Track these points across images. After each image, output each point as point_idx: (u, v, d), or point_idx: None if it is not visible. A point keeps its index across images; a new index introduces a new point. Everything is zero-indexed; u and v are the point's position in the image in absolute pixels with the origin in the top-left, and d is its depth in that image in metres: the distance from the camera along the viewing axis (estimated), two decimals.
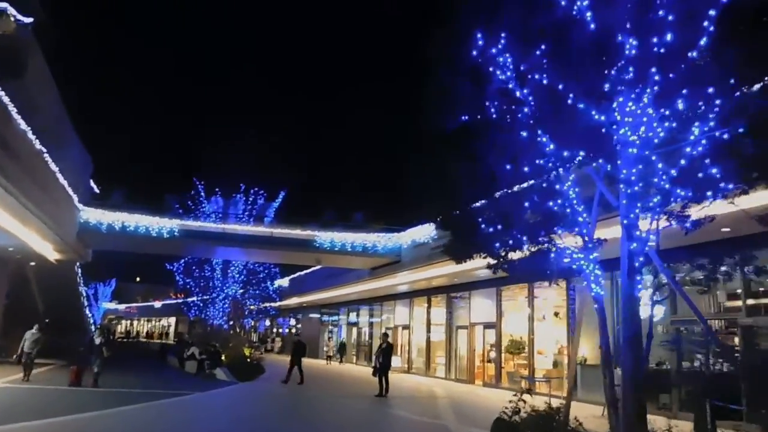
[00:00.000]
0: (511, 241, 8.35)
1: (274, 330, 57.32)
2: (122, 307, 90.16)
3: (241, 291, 33.34)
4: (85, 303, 34.68)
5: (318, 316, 46.15)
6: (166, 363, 31.43)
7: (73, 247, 24.08)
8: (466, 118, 8.87)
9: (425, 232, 23.84)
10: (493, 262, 9.19)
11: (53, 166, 18.00)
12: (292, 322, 52.95)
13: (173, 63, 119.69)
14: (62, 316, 31.79)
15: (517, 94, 8.49)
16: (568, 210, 8.29)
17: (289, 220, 26.27)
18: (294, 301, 44.67)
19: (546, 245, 8.25)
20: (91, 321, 42.17)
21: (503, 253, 8.77)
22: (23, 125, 14.57)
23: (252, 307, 33.84)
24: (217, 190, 30.88)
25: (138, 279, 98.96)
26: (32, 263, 26.21)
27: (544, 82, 8.07)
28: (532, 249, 8.36)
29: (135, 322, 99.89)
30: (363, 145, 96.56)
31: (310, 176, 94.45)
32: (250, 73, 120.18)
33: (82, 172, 31.80)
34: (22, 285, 28.63)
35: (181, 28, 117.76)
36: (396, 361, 31.35)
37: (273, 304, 37.84)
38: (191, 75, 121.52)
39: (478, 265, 10.22)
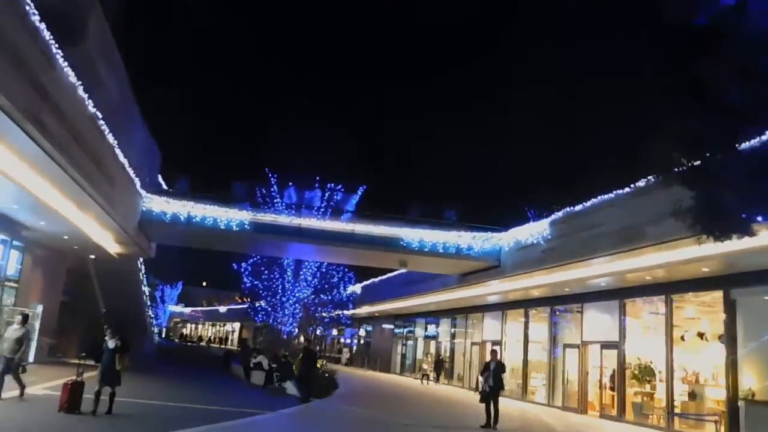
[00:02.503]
0: None
1: (341, 340, 54.46)
2: (188, 310, 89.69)
3: (312, 296, 30.34)
4: (148, 303, 32.51)
5: (391, 327, 42.84)
6: (230, 372, 28.83)
7: (134, 239, 21.63)
8: None
9: (534, 230, 20.13)
10: None
11: (110, 138, 15.38)
12: (362, 332, 49.88)
13: (247, 48, 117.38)
14: (123, 315, 29.68)
15: None
16: None
17: (371, 217, 22.97)
18: (365, 310, 41.52)
19: None
20: (154, 322, 40.35)
21: None
22: (72, 77, 11.89)
23: (324, 314, 30.76)
24: (290, 183, 28.02)
25: (204, 284, 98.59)
26: (92, 256, 24.01)
27: None
28: None
29: (200, 326, 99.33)
30: (454, 129, 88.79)
31: (390, 169, 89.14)
32: (324, 58, 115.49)
33: (149, 162, 29.73)
34: (82, 281, 26.59)
35: (256, 8, 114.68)
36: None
37: (346, 312, 34.72)
38: (265, 62, 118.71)
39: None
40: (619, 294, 19.76)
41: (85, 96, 12.75)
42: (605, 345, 20.45)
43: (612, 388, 20.03)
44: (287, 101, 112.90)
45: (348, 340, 53.47)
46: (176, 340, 79.75)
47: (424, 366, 32.44)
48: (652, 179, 15.03)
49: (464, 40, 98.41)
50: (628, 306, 19.79)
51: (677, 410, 17.19)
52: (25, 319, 12.85)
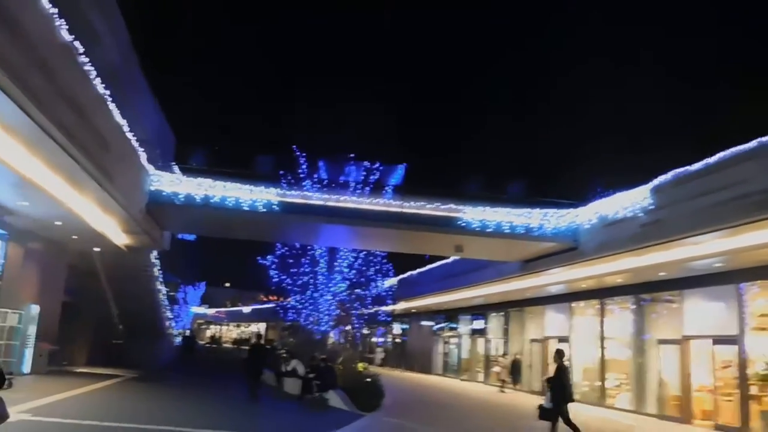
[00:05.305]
0: None
1: (373, 339, 50.82)
2: (211, 311, 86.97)
3: (348, 291, 26.72)
4: (166, 303, 29.19)
5: (431, 324, 39.16)
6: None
7: (143, 227, 18.29)
8: None
9: (629, 200, 16.31)
10: None
11: (101, 88, 11.92)
12: (396, 330, 46.23)
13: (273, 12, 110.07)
14: (136, 317, 26.41)
15: None
16: None
17: (422, 193, 19.25)
18: (401, 306, 37.86)
19: None
20: (173, 324, 37.08)
21: None
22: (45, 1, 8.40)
23: (362, 311, 27.16)
24: (320, 163, 24.27)
25: (227, 284, 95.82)
26: (97, 249, 20.68)
27: None
28: None
29: (223, 327, 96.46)
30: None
31: (434, 148, 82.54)
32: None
33: (161, 144, 26.31)
34: (88, 279, 23.30)
35: None
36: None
37: (384, 308, 31.08)
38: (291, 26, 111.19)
39: None
40: (737, 277, 15.90)
41: (54, 11, 9.24)
42: (719, 340, 16.59)
43: (713, 391, 16.23)
44: (315, 72, 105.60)
45: (381, 339, 49.85)
46: (200, 342, 76.41)
47: (498, 369, 27.97)
48: None
49: None
50: (750, 291, 15.92)
51: None
52: None
